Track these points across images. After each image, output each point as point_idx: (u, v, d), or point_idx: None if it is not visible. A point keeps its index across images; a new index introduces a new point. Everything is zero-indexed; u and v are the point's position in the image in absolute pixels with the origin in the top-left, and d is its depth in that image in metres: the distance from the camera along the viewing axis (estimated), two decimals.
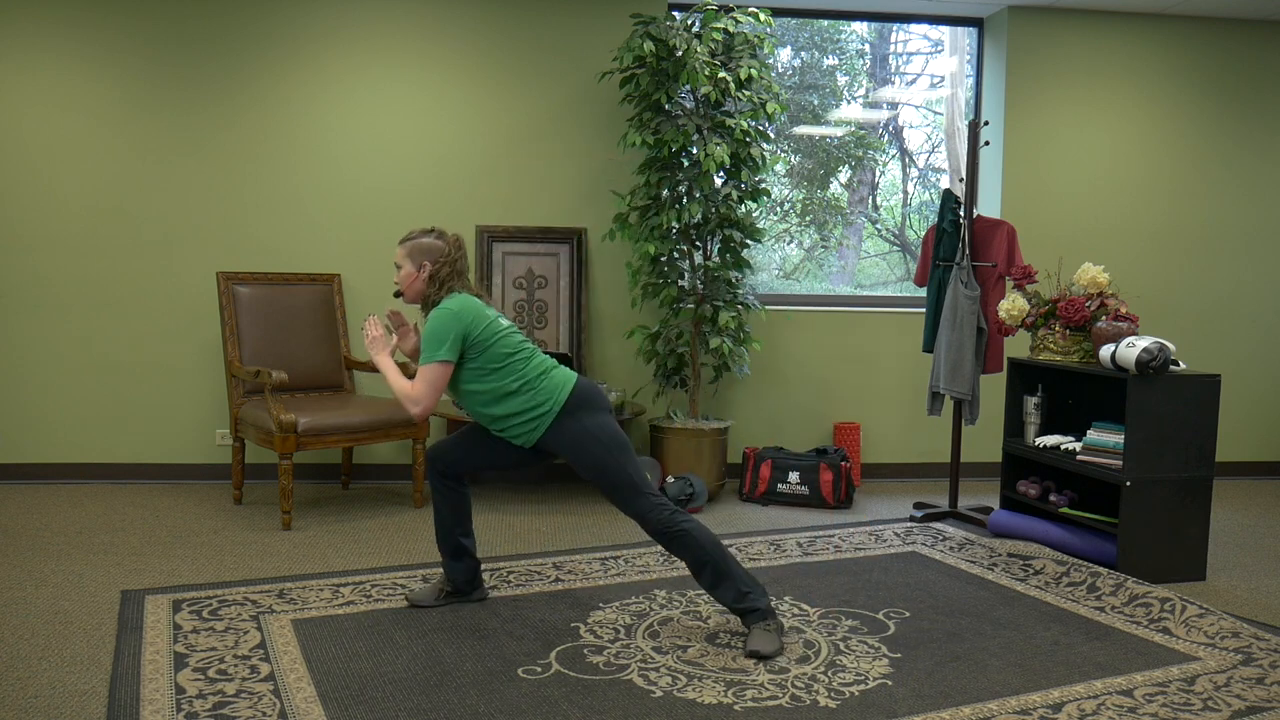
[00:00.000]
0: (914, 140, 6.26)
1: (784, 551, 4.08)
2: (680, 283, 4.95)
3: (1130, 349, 3.79)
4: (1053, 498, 4.26)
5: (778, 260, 6.13)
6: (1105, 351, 3.92)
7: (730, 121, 4.71)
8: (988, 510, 4.60)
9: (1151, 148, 5.66)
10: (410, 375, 4.65)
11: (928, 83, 6.15)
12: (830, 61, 6.03)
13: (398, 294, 3.30)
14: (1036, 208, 5.55)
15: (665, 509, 3.04)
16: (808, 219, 6.06)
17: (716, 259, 4.93)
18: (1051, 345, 4.25)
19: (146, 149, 4.97)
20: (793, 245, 6.14)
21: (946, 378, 4.57)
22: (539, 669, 2.87)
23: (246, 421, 4.49)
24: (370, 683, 2.75)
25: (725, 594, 3.04)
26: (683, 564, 3.86)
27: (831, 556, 4.05)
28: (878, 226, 6.32)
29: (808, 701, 2.70)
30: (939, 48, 6.03)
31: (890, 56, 6.21)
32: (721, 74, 4.65)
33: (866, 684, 2.82)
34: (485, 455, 3.33)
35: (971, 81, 5.76)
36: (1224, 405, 5.28)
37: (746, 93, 4.77)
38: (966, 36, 5.76)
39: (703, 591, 3.54)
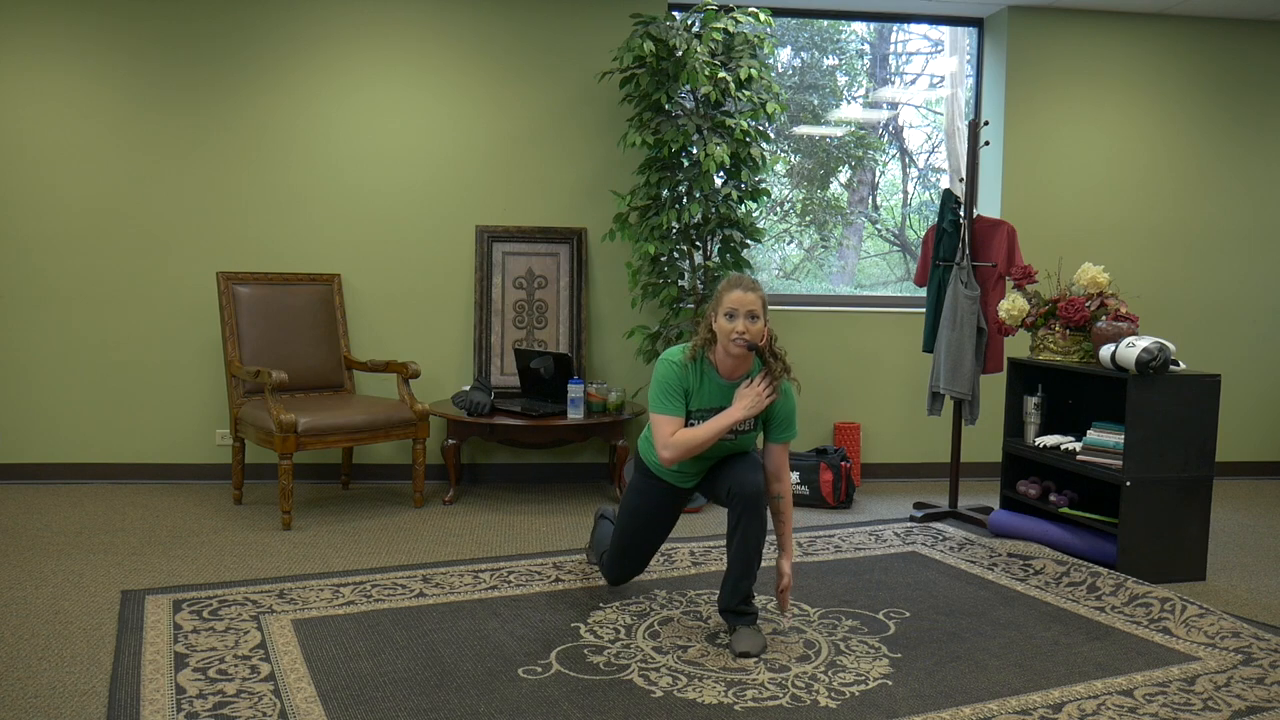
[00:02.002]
0: (914, 140, 6.26)
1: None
2: (680, 283, 4.95)
3: (1130, 349, 3.79)
4: (1053, 498, 4.26)
5: (778, 260, 6.13)
6: (1105, 351, 3.92)
7: (730, 121, 4.71)
8: (988, 510, 4.60)
9: (1152, 147, 5.66)
10: (410, 375, 4.66)
11: (928, 83, 6.15)
12: (830, 61, 6.03)
13: (751, 348, 3.02)
14: (1036, 208, 5.55)
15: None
16: (808, 219, 6.06)
17: (716, 259, 4.93)
18: (1051, 345, 4.25)
19: (146, 149, 4.97)
20: (793, 245, 6.14)
21: (946, 378, 4.57)
22: (539, 669, 2.86)
23: (246, 421, 4.49)
24: (370, 683, 2.75)
25: (745, 586, 3.06)
26: (681, 563, 3.86)
27: (831, 556, 4.05)
28: (878, 226, 6.32)
29: (808, 701, 2.70)
30: (939, 48, 6.03)
31: (890, 56, 6.21)
32: (721, 74, 4.65)
33: (867, 684, 2.82)
34: (659, 540, 3.39)
35: (971, 81, 5.76)
36: (1224, 405, 5.27)
37: (746, 93, 4.77)
38: (966, 36, 5.76)
39: (703, 591, 3.55)
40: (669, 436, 3.04)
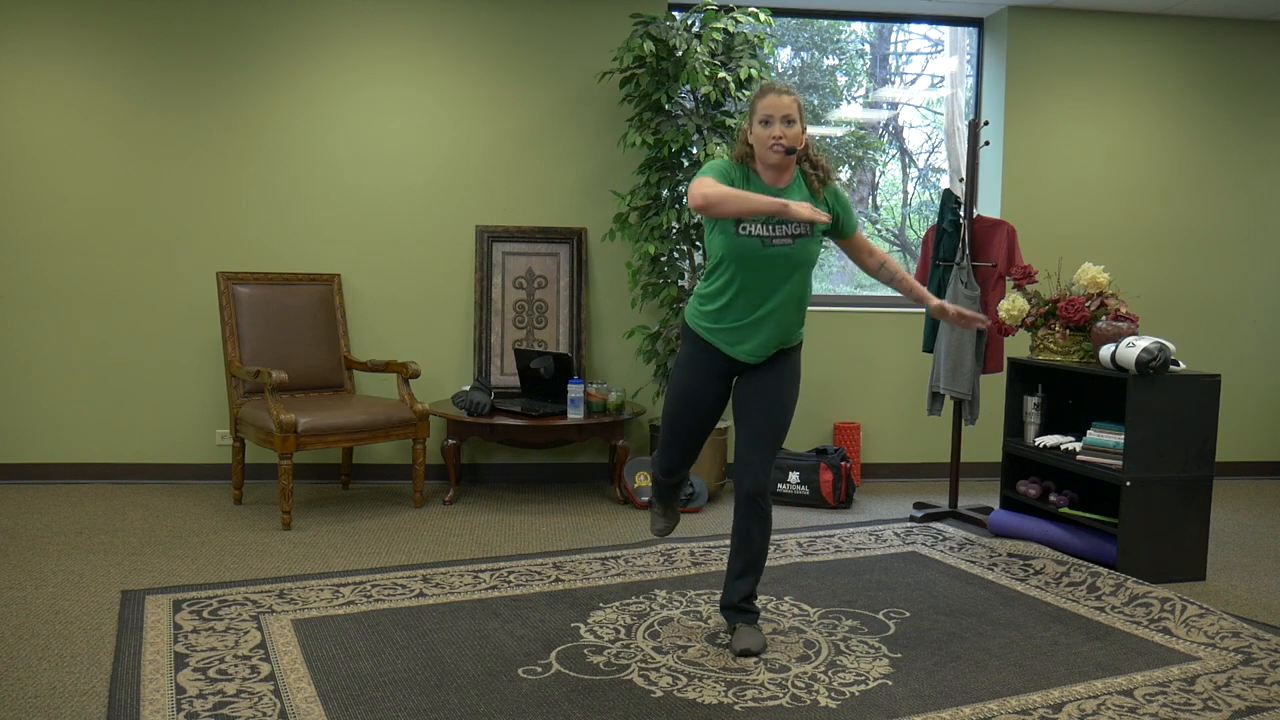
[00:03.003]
0: (914, 140, 6.26)
1: (784, 551, 4.08)
2: (680, 283, 4.95)
3: (1130, 349, 3.79)
4: (1053, 498, 4.26)
5: None
6: (1105, 351, 3.92)
7: (730, 121, 4.71)
8: (988, 510, 4.60)
9: (1151, 147, 5.66)
10: (410, 375, 4.66)
11: (928, 83, 6.15)
12: (830, 61, 6.03)
13: (790, 152, 2.89)
14: (1036, 208, 5.55)
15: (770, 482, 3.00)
16: None
17: None
18: (1051, 345, 4.25)
19: (146, 149, 4.97)
20: None
21: (946, 378, 4.57)
22: (539, 669, 2.86)
23: (246, 421, 4.49)
24: (370, 683, 2.75)
25: (747, 583, 3.04)
26: (681, 563, 3.86)
27: (831, 556, 4.05)
28: (878, 226, 6.32)
29: (808, 701, 2.70)
30: (939, 48, 6.03)
31: (890, 56, 6.22)
32: (721, 74, 4.65)
33: (867, 684, 2.82)
34: (706, 424, 3.13)
35: (971, 81, 5.76)
36: (1224, 405, 5.27)
37: (746, 93, 4.77)
38: (966, 36, 5.76)
39: (703, 591, 3.55)
40: (711, 183, 2.81)
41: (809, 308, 3.13)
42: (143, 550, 3.93)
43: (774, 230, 2.90)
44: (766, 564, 3.86)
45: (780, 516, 4.66)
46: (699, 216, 4.83)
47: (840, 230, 3.07)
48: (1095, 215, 5.62)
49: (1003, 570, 3.89)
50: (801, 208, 2.75)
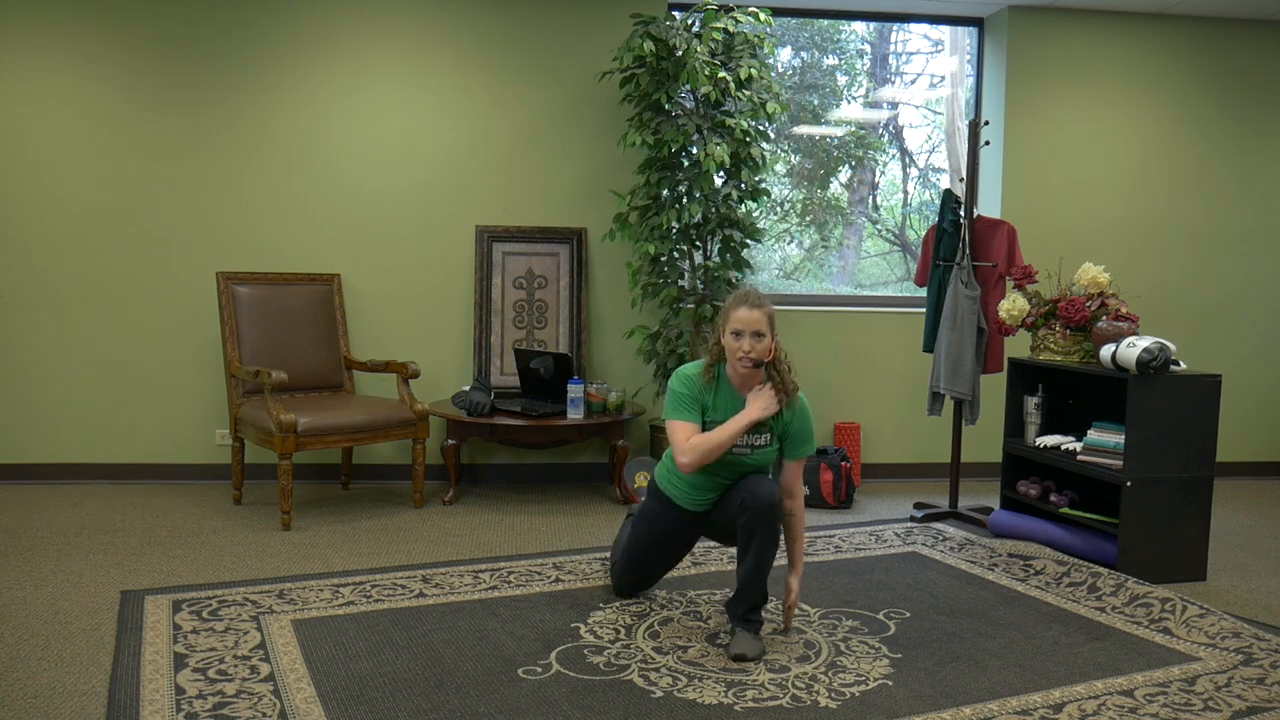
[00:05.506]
0: (914, 140, 6.26)
1: (784, 552, 4.07)
2: (680, 283, 4.95)
3: (1131, 349, 3.79)
4: (1053, 498, 4.26)
5: (778, 260, 6.13)
6: (1105, 351, 3.92)
7: (730, 121, 4.71)
8: (988, 510, 4.60)
9: (1152, 147, 5.66)
10: (410, 375, 4.66)
11: (928, 82, 6.15)
12: (830, 61, 6.03)
13: (758, 365, 3.05)
14: (1036, 208, 5.55)
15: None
16: (808, 219, 6.05)
17: (716, 259, 4.93)
18: (1052, 345, 4.25)
19: (146, 149, 4.97)
20: (793, 245, 6.14)
21: (947, 378, 4.57)
22: (539, 669, 2.86)
23: (246, 421, 4.49)
24: (370, 683, 2.75)
25: (754, 598, 3.05)
26: (681, 563, 3.86)
27: (831, 556, 4.05)
28: (878, 226, 6.32)
29: (808, 702, 2.70)
30: (939, 48, 6.03)
31: (890, 56, 6.21)
32: (721, 74, 4.65)
33: (867, 684, 2.82)
34: (669, 559, 3.42)
35: (971, 81, 5.76)
36: (1224, 405, 5.26)
37: (746, 93, 4.77)
38: (966, 36, 5.76)
39: (703, 591, 3.54)
40: (685, 441, 3.04)
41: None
42: (143, 550, 3.93)
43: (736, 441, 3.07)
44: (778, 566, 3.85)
45: None
46: (699, 217, 4.84)
47: (790, 447, 3.18)
48: (1095, 215, 5.62)
49: (1003, 570, 3.89)
50: (764, 407, 3.03)
